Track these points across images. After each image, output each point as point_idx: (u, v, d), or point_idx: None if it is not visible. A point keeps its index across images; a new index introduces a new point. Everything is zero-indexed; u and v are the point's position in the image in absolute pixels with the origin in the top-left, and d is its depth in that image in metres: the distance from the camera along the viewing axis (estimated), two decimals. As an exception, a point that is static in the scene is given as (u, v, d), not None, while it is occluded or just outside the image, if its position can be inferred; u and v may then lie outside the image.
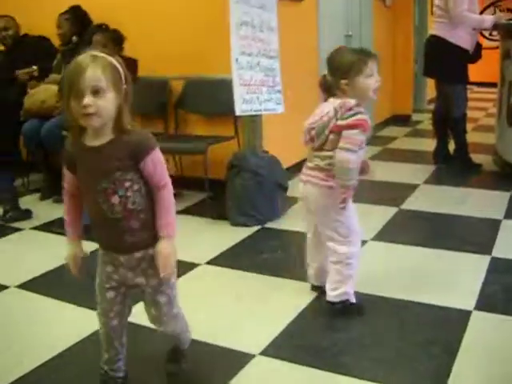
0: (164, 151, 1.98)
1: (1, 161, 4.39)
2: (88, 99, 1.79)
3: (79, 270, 2.15)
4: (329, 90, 2.72)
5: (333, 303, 2.83)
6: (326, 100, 2.73)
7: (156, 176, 1.95)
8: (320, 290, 3.01)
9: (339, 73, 2.65)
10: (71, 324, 2.87)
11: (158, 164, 1.95)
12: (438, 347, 2.51)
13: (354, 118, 2.58)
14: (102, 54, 1.87)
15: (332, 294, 2.82)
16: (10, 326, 2.89)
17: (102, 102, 1.82)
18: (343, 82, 2.64)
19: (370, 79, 2.66)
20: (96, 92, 1.80)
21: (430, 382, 2.28)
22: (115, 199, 1.93)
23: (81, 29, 4.96)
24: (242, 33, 4.06)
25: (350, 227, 2.77)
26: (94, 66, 1.81)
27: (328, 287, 2.84)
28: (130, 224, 1.97)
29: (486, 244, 3.69)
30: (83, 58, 1.84)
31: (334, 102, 2.65)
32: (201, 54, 4.83)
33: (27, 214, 4.51)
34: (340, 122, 2.60)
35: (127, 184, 1.92)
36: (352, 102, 2.60)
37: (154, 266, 2.00)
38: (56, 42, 5.28)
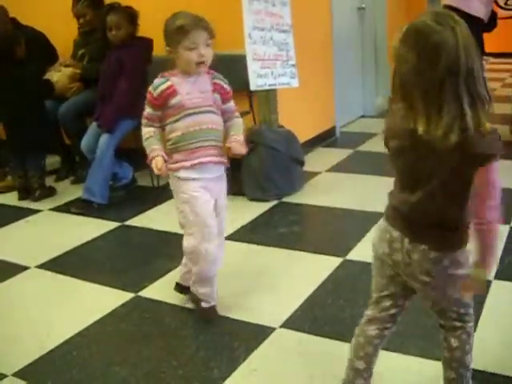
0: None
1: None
2: None
3: None
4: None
5: None
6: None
7: None
8: None
9: (165, 39, 2.53)
10: (91, 302, 2.91)
11: None
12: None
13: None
14: None
15: None
16: (30, 306, 2.94)
17: None
18: (167, 49, 2.53)
19: (192, 52, 2.44)
20: None
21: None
22: None
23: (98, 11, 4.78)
24: (254, 7, 4.04)
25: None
26: None
27: None
28: None
29: (505, 214, 3.65)
30: None
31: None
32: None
33: (52, 191, 4.63)
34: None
35: None
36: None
37: None
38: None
